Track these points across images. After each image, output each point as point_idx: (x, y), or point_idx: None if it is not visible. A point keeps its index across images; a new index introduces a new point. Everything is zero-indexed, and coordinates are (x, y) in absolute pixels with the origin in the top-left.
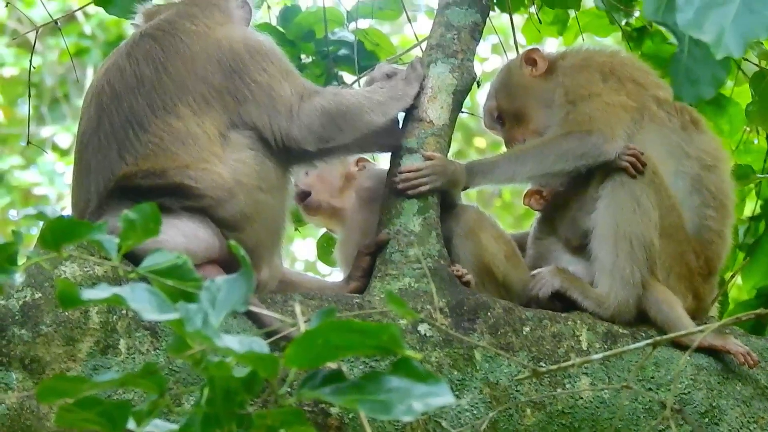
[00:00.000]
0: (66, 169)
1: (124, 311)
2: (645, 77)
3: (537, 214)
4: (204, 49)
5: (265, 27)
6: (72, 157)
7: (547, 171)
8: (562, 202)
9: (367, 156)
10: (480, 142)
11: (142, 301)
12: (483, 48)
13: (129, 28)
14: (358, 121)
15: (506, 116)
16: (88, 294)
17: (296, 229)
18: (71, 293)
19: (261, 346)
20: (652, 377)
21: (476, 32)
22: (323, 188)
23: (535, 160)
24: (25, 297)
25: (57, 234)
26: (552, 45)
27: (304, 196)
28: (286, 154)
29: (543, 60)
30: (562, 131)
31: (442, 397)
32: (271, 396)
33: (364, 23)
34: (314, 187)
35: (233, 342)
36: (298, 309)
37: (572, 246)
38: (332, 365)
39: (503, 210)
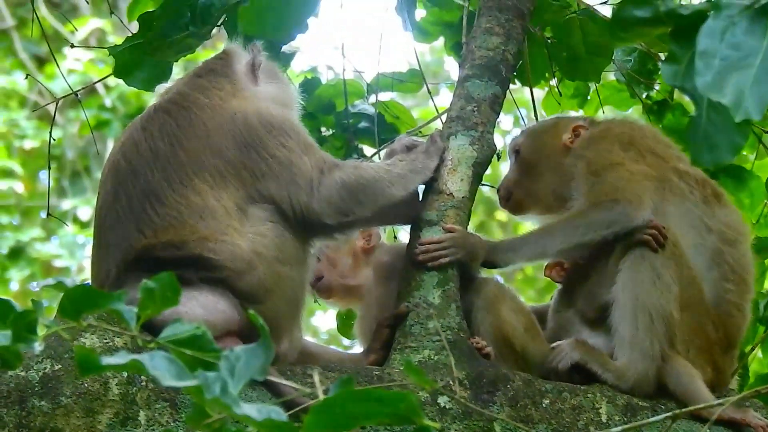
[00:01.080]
0: (86, 241)
1: (143, 383)
2: (665, 149)
3: (558, 287)
4: (219, 125)
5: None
6: (93, 229)
7: (578, 242)
8: (581, 276)
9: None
10: (501, 215)
11: (162, 369)
12: (505, 121)
13: (150, 100)
14: (378, 195)
15: (522, 161)
16: (108, 360)
17: (315, 301)
18: (91, 359)
19: (279, 414)
20: None
21: (496, 104)
22: (335, 271)
23: (565, 233)
24: (45, 368)
25: (76, 303)
26: None
27: (316, 280)
28: (305, 226)
29: (580, 135)
30: (589, 203)
31: None
32: None
33: (384, 96)
34: (325, 270)
35: (252, 410)
36: (316, 378)
37: (589, 319)
38: None
39: (525, 284)
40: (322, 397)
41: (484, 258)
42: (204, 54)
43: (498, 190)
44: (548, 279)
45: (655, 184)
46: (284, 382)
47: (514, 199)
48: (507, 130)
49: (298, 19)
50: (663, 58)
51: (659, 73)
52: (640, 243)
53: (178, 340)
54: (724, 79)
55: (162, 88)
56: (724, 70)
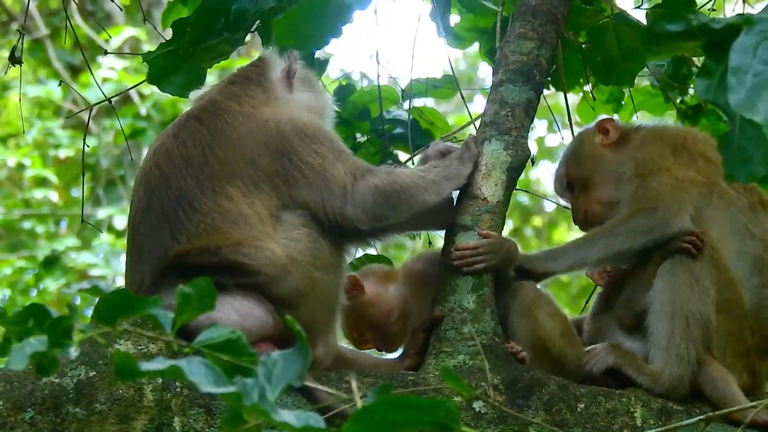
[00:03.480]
0: (122, 251)
1: (178, 389)
2: (716, 155)
3: (599, 290)
4: (251, 132)
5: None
6: (127, 236)
7: (617, 251)
8: (620, 282)
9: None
10: (537, 220)
11: (199, 375)
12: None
13: (185, 107)
14: (411, 201)
15: (575, 183)
16: (146, 366)
17: None
18: (129, 365)
19: (318, 421)
20: None
21: (530, 109)
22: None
23: (604, 241)
24: (80, 375)
25: (112, 308)
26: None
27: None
28: (340, 232)
29: (615, 130)
30: (630, 209)
31: None
32: None
33: (419, 102)
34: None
35: (290, 417)
36: (354, 385)
37: (626, 325)
38: None
39: (559, 288)
40: (360, 403)
41: (521, 265)
42: (239, 61)
43: (575, 221)
44: (582, 284)
45: (702, 189)
46: (321, 387)
47: (591, 216)
48: (542, 136)
49: (332, 28)
50: (697, 62)
51: (693, 78)
52: (679, 250)
53: (213, 345)
54: (756, 95)
55: (196, 94)
56: (757, 86)
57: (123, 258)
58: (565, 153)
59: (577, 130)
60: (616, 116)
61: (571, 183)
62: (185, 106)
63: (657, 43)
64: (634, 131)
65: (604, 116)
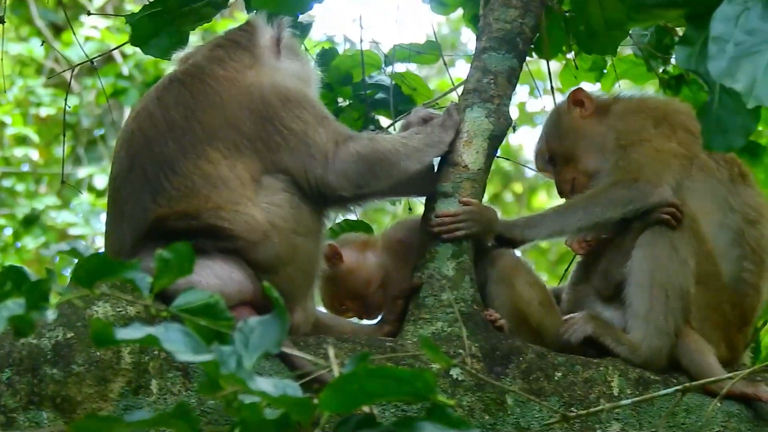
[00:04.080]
0: (102, 210)
1: (156, 351)
2: (697, 126)
3: (578, 259)
4: (234, 96)
5: None
6: (107, 199)
7: (596, 221)
8: (599, 252)
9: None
10: (517, 186)
11: (176, 342)
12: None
13: (167, 69)
14: (393, 168)
15: (557, 158)
16: (122, 334)
17: None
18: (106, 333)
19: (295, 389)
20: (683, 423)
21: (513, 77)
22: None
23: (584, 211)
24: (57, 336)
25: (90, 271)
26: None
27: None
28: (320, 198)
29: (590, 100)
30: (611, 179)
31: None
32: None
33: (401, 67)
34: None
35: (267, 385)
36: (331, 353)
37: (604, 296)
38: (365, 409)
39: (538, 255)
40: (337, 372)
41: (500, 233)
42: (221, 23)
43: (561, 194)
44: (561, 251)
45: (682, 161)
46: (300, 354)
47: (578, 187)
48: (523, 101)
49: None
50: (680, 32)
51: (676, 47)
52: (659, 221)
53: (191, 309)
54: (737, 65)
55: (179, 55)
56: (738, 56)
57: (103, 218)
58: (544, 128)
59: (559, 96)
60: (584, 84)
61: (553, 157)
62: (168, 66)
63: (639, 12)
64: (614, 102)
65: (574, 88)
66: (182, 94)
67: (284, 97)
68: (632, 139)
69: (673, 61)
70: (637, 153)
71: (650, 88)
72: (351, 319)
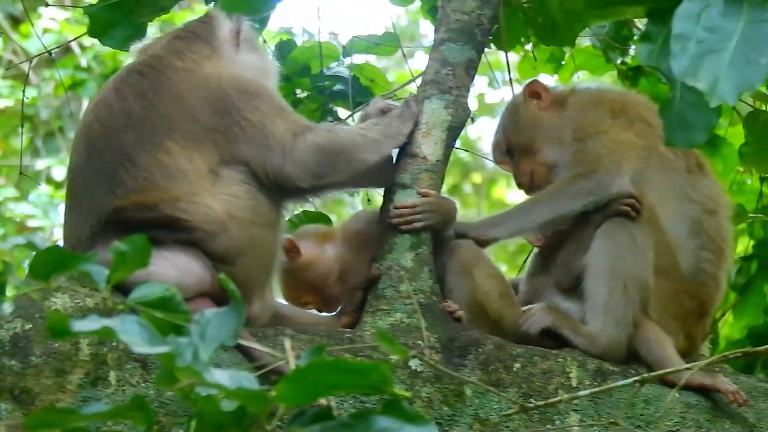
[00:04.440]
0: (60, 202)
1: (114, 343)
2: (654, 118)
3: (534, 250)
4: (192, 88)
5: None
6: (65, 190)
7: (558, 215)
8: (558, 244)
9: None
10: (476, 177)
11: (133, 334)
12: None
13: (125, 60)
14: (351, 159)
15: (515, 150)
16: (79, 326)
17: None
18: (62, 325)
19: (251, 382)
20: (642, 414)
21: (471, 69)
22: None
23: (546, 206)
24: (15, 328)
25: (47, 264)
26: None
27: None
28: (279, 189)
29: (546, 91)
30: (570, 172)
31: None
32: (261, 430)
33: (359, 59)
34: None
35: (223, 377)
36: (287, 344)
37: (563, 287)
38: (322, 401)
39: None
40: (293, 364)
41: (464, 234)
42: (180, 14)
43: (520, 186)
44: (521, 242)
45: (640, 152)
46: (256, 346)
47: (537, 178)
48: (482, 93)
49: None
50: (638, 23)
51: (634, 39)
52: (618, 213)
53: (148, 302)
54: (699, 63)
55: (138, 46)
56: (700, 54)
57: (61, 209)
58: (500, 121)
59: (517, 88)
60: (542, 75)
61: (510, 149)
62: (126, 58)
63: (600, 7)
64: (571, 93)
65: (530, 80)
66: (140, 85)
67: (242, 88)
68: (590, 130)
69: (632, 52)
70: (595, 144)
71: (608, 80)
72: (309, 311)
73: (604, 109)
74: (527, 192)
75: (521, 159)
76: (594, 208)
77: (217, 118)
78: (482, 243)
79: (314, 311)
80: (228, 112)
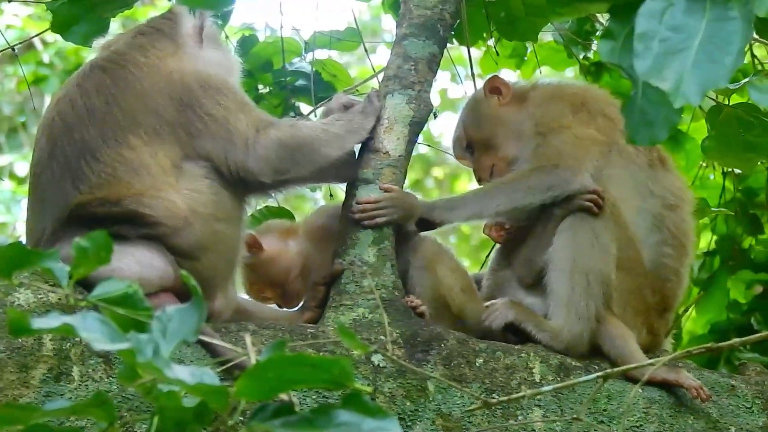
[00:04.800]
0: (22, 198)
1: (77, 338)
2: (615, 112)
3: (497, 246)
4: (155, 83)
5: None
6: (28, 186)
7: (516, 205)
8: (520, 240)
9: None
10: (438, 172)
11: (93, 331)
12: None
13: (88, 56)
14: (314, 154)
15: (475, 145)
16: (39, 323)
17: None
18: (22, 322)
19: (211, 377)
20: (605, 410)
21: (434, 64)
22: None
23: (504, 195)
24: None
25: (8, 261)
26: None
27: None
28: (241, 184)
29: (506, 87)
30: (531, 166)
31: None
32: (223, 426)
33: (322, 54)
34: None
35: (184, 373)
36: (248, 340)
37: (526, 283)
38: (284, 396)
39: (461, 240)
40: (254, 360)
41: (421, 215)
42: (142, 10)
43: (479, 181)
44: (482, 238)
45: (601, 147)
46: (218, 342)
47: (497, 174)
48: (445, 88)
49: None
50: (600, 18)
51: (597, 34)
52: (580, 208)
53: (109, 299)
54: (663, 63)
55: (101, 42)
56: (664, 53)
57: (24, 205)
58: (461, 116)
59: (480, 83)
60: (505, 71)
61: (470, 144)
62: (89, 54)
63: (563, 5)
64: (532, 89)
65: (490, 75)
66: (103, 80)
67: (205, 83)
68: (551, 125)
69: (594, 47)
70: (556, 140)
71: (570, 74)
72: (272, 306)
73: (565, 104)
74: None
75: (482, 154)
76: (552, 202)
77: (180, 114)
78: (436, 224)
79: (274, 306)
80: (191, 107)
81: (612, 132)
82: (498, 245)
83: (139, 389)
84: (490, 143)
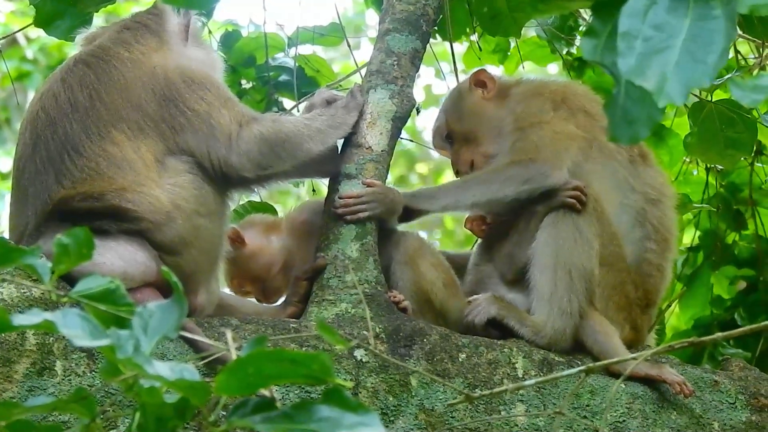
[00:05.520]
0: (6, 193)
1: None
2: (596, 108)
3: (478, 240)
4: (138, 78)
5: None
6: (11, 181)
7: (491, 198)
8: (502, 236)
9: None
10: (422, 167)
11: (74, 327)
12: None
13: (71, 52)
14: (296, 149)
15: (455, 137)
16: (20, 320)
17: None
18: (2, 318)
19: (192, 373)
20: (587, 405)
21: (416, 59)
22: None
23: (480, 186)
24: None
25: None
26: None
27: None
28: (224, 179)
29: (492, 81)
30: (508, 159)
31: (371, 427)
32: (204, 421)
33: (305, 49)
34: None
35: (164, 369)
36: (229, 336)
37: (508, 278)
38: (264, 392)
39: (445, 236)
40: (234, 355)
41: (404, 205)
42: (124, 5)
43: (457, 173)
44: (467, 233)
45: (581, 143)
46: (200, 337)
47: (477, 168)
48: (429, 84)
49: None
50: (584, 13)
51: (580, 30)
52: (563, 204)
53: (91, 295)
54: (646, 62)
55: (84, 35)
56: (647, 52)
57: (7, 200)
58: (443, 106)
59: (463, 78)
60: (488, 66)
61: (450, 135)
62: (72, 50)
63: (545, 2)
64: (515, 85)
65: (477, 69)
66: (87, 75)
67: (188, 78)
68: (530, 121)
69: (577, 43)
70: (535, 135)
71: (554, 70)
72: (254, 301)
73: (545, 100)
74: None
75: (461, 147)
76: (528, 196)
77: (163, 109)
78: (415, 214)
79: (254, 300)
80: (174, 102)
81: (592, 128)
82: (480, 240)
83: (121, 385)
84: (469, 136)
